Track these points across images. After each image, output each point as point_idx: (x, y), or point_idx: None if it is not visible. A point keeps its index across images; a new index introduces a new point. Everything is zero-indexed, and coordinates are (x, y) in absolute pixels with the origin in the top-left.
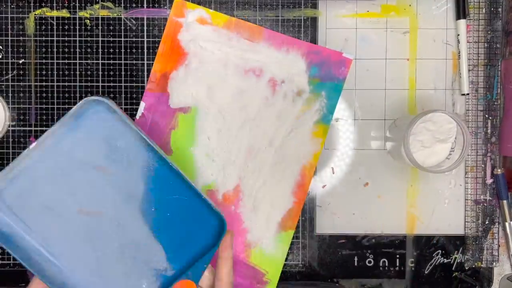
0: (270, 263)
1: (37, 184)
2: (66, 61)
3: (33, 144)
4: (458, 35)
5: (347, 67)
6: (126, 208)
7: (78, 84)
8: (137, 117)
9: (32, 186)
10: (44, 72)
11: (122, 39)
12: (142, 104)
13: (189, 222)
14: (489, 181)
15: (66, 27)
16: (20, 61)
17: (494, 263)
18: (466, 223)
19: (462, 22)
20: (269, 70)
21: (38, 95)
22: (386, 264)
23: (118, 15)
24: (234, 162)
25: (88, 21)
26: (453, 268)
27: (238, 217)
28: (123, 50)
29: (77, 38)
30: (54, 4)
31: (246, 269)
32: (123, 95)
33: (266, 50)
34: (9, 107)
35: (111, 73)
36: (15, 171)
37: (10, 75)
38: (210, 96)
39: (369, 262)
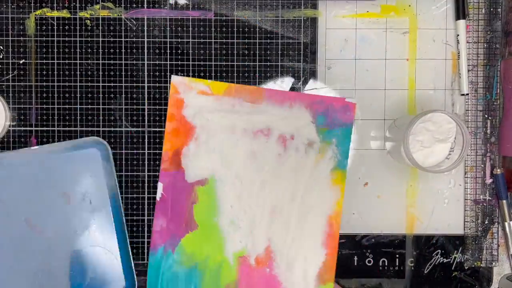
0: None
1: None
2: (67, 61)
3: (35, 147)
4: (458, 35)
5: (352, 111)
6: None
7: (78, 84)
8: (158, 198)
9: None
10: (44, 72)
11: (123, 39)
12: (160, 185)
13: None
14: (489, 181)
15: (67, 27)
16: (21, 61)
17: (494, 263)
18: (466, 223)
19: (462, 22)
20: (277, 128)
21: (39, 95)
22: (386, 264)
23: (118, 16)
24: (260, 224)
25: (89, 21)
26: (452, 268)
27: (274, 278)
28: (123, 50)
29: (78, 39)
30: (55, 5)
31: None
32: (123, 95)
33: (270, 108)
34: (9, 107)
35: (111, 73)
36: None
37: (10, 75)
38: (224, 164)
39: (369, 261)
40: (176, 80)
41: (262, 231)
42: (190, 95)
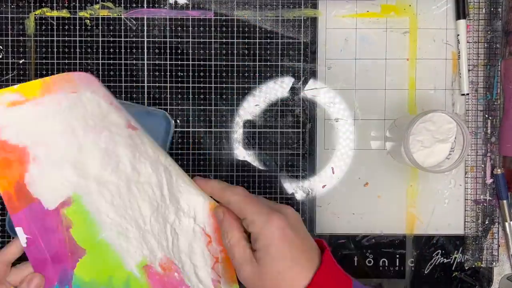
0: None
1: None
2: (66, 61)
3: None
4: (458, 35)
5: None
6: None
7: None
8: (24, 244)
9: None
10: (44, 72)
11: (122, 39)
12: (20, 229)
13: None
14: (489, 181)
15: (66, 27)
16: (20, 61)
17: (494, 263)
18: (466, 223)
19: (462, 22)
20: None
21: None
22: (386, 264)
23: (118, 15)
24: (146, 228)
25: (88, 21)
26: (453, 268)
27: (184, 283)
28: (123, 50)
29: (77, 38)
30: (54, 4)
31: None
32: (123, 95)
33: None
34: None
35: (111, 73)
36: None
37: (10, 75)
38: (80, 173)
39: (369, 262)
40: None
41: (152, 235)
42: (1, 113)
